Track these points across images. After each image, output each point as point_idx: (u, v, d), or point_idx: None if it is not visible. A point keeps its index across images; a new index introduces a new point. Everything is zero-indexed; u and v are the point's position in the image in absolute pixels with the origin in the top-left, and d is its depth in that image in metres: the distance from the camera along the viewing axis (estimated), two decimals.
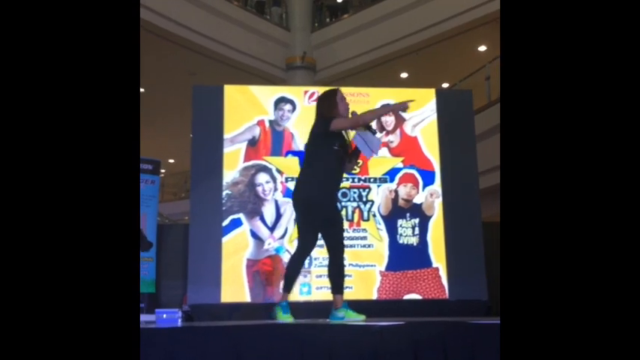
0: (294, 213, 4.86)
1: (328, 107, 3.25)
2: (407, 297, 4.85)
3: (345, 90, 3.62)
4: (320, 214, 3.16)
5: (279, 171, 4.95)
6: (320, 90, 5.20)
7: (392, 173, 5.06)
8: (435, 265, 4.94)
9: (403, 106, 3.22)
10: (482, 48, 10.56)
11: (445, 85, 10.28)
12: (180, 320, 2.71)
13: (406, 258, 4.92)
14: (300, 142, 5.01)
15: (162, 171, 14.93)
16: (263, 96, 5.12)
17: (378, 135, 3.30)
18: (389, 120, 5.11)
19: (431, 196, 5.06)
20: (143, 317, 3.18)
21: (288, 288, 3.25)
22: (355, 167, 4.71)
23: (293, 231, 4.87)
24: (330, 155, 3.19)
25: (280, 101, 5.11)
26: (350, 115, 3.25)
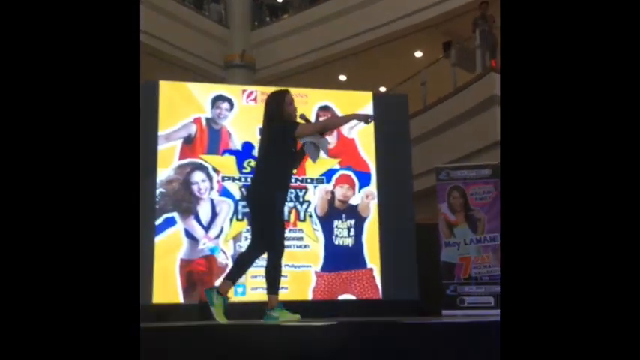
0: (230, 212, 4.85)
1: (278, 110, 3.29)
2: (341, 297, 4.90)
3: None
4: (271, 214, 3.19)
5: (215, 170, 4.88)
6: (260, 89, 5.18)
7: (329, 174, 5.09)
8: (369, 265, 5.01)
9: (365, 117, 3.40)
10: (419, 54, 10.82)
11: (382, 89, 10.46)
12: None
13: (341, 259, 4.97)
14: (237, 141, 4.96)
15: None
16: (200, 93, 5.03)
17: (329, 139, 3.41)
18: None
19: (367, 198, 5.13)
20: None
21: (233, 278, 3.23)
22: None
23: (229, 231, 4.82)
24: (287, 157, 3.28)
25: (218, 99, 5.04)
26: (299, 119, 3.31)
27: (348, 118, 3.80)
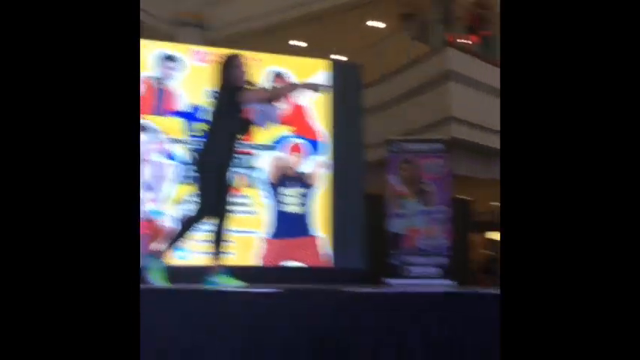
0: (175, 175, 4.70)
1: (228, 74, 3.22)
2: (288, 264, 4.87)
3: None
4: (218, 179, 3.13)
5: (161, 131, 4.70)
6: (211, 51, 4.99)
7: (280, 142, 4.99)
8: (316, 233, 4.98)
9: (314, 86, 3.49)
10: (378, 24, 10.74)
11: (338, 58, 10.34)
12: None
13: (289, 226, 4.92)
14: (185, 102, 4.78)
15: None
16: (146, 51, 4.79)
17: (279, 106, 3.44)
18: None
19: (317, 167, 5.07)
20: None
21: (174, 242, 3.16)
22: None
23: (174, 194, 4.67)
24: (234, 122, 3.22)
25: (165, 58, 4.82)
26: (249, 85, 3.26)
27: (297, 86, 3.79)
